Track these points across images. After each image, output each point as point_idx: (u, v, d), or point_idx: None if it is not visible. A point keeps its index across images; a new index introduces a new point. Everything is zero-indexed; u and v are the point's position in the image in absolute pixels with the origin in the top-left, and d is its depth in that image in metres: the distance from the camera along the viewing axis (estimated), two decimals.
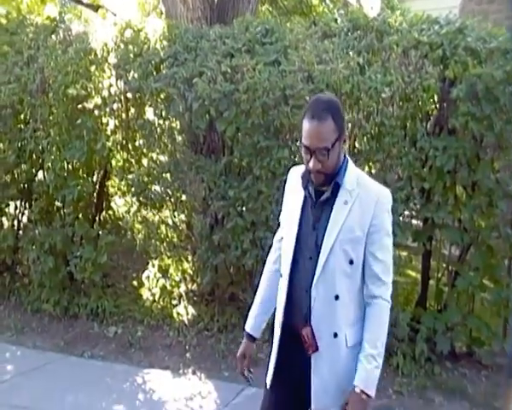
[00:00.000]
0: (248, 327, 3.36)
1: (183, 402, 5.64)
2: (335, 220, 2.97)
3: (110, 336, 6.95)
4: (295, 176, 3.21)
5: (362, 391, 2.91)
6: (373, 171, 6.94)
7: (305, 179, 3.09)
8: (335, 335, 2.97)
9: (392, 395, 5.99)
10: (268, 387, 3.18)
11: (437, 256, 6.97)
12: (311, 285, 2.98)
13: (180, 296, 7.26)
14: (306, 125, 2.96)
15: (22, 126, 7.70)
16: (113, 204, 8.14)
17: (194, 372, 6.24)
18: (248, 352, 3.31)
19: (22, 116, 7.71)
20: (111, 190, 8.11)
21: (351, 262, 2.97)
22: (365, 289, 3.02)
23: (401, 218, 6.49)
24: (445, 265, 6.92)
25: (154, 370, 6.29)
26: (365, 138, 6.85)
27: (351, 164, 3.09)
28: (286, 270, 3.09)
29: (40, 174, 7.79)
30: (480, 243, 6.48)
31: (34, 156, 7.70)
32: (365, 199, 2.99)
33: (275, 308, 3.22)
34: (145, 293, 7.42)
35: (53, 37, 7.80)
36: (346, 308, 2.99)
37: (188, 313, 7.15)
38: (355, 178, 3.04)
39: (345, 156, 3.09)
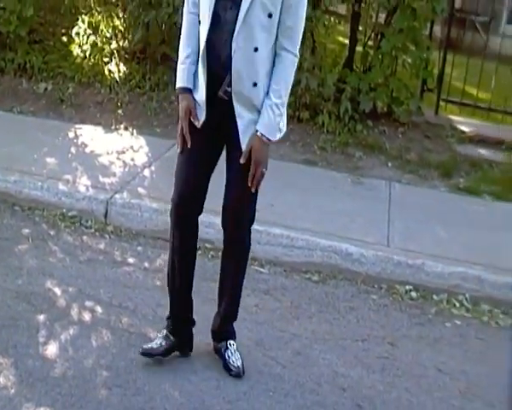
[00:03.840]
0: (184, 82, 3.23)
1: (115, 156, 5.75)
2: None
3: (40, 92, 6.88)
4: None
5: (263, 135, 3.11)
6: None
7: None
8: (255, 84, 3.09)
9: (317, 151, 6.32)
10: (199, 127, 3.24)
11: (365, 21, 7.09)
12: (232, 37, 3.01)
13: (111, 54, 7.14)
14: None
15: None
16: None
17: (126, 128, 6.33)
18: (191, 105, 3.21)
19: None
20: None
21: (269, 16, 3.01)
22: (277, 42, 3.09)
23: None
24: (371, 28, 7.03)
25: (85, 126, 6.34)
26: None
27: None
28: (206, 18, 3.08)
29: None
30: (406, 5, 6.57)
31: None
32: None
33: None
34: (75, 50, 7.23)
35: None
36: (264, 60, 3.08)
37: (119, 71, 7.09)
38: None
39: None
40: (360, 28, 7.12)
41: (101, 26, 7.14)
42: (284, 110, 3.16)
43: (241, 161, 3.13)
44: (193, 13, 3.21)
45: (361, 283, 4.51)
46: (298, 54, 3.16)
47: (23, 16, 6.96)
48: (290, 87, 3.18)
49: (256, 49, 3.03)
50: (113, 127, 6.35)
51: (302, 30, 3.15)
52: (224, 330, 3.56)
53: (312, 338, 3.84)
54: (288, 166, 6.00)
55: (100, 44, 7.12)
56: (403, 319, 4.18)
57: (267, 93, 3.11)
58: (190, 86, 3.21)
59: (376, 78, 6.64)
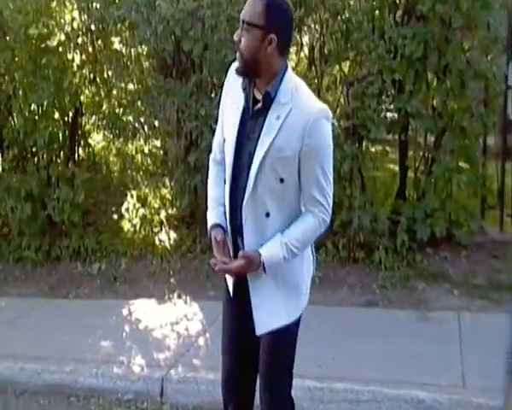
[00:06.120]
0: (214, 219, 2.99)
1: (169, 327, 5.62)
2: (265, 137, 2.78)
3: (94, 273, 6.90)
4: (234, 74, 2.95)
5: (261, 257, 2.80)
6: (344, 69, 6.87)
7: (246, 81, 2.89)
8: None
9: (376, 290, 6.01)
10: (232, 295, 3.07)
11: (413, 146, 6.88)
12: (243, 203, 2.86)
13: (161, 223, 7.21)
14: None
15: None
16: (86, 140, 8.01)
17: (179, 296, 6.23)
18: (225, 237, 2.95)
19: None
20: (83, 126, 7.98)
21: (281, 181, 2.81)
22: (302, 207, 2.91)
23: (375, 113, 6.38)
24: (421, 153, 6.83)
25: (139, 300, 6.27)
26: (334, 37, 6.73)
27: (290, 74, 2.86)
28: (228, 178, 2.94)
29: (10, 121, 7.63)
30: (454, 126, 6.43)
31: (1, 104, 7.52)
32: (297, 117, 2.76)
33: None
34: (126, 225, 7.36)
35: None
36: (278, 224, 2.87)
37: (170, 239, 7.11)
38: (291, 90, 2.80)
39: (286, 67, 2.86)
40: (410, 153, 6.93)
41: (149, 198, 7.24)
42: (289, 258, 2.85)
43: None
44: (219, 162, 3.12)
45: None
46: (325, 219, 2.89)
47: (75, 203, 7.13)
48: (306, 245, 2.93)
49: (268, 215, 2.86)
50: (166, 297, 6.25)
51: (330, 191, 2.86)
52: None
53: None
54: (348, 311, 5.71)
55: (149, 216, 7.20)
56: None
57: (283, 231, 2.86)
58: (222, 224, 2.98)
59: (431, 204, 6.35)
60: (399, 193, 6.77)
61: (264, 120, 2.80)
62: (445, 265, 6.27)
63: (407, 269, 6.17)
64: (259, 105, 2.84)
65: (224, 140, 3.00)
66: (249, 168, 2.83)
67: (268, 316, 2.93)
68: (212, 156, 3.20)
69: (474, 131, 6.48)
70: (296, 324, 3.02)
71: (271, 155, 2.77)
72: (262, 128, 2.80)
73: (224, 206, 2.99)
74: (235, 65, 2.91)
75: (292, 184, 2.84)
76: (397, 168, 7.08)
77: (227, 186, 2.96)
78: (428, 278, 6.09)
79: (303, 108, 2.77)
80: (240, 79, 2.90)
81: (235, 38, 2.82)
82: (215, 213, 3.01)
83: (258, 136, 2.81)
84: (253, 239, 2.86)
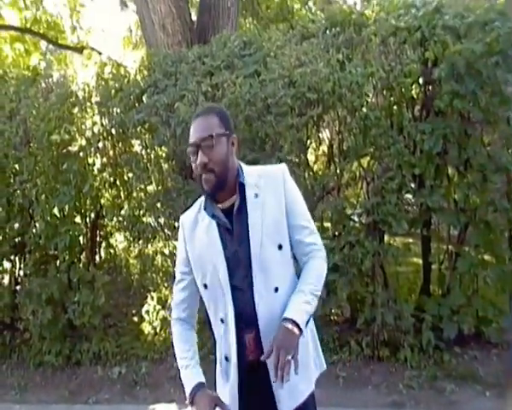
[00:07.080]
0: (200, 377, 3.17)
1: None
2: (254, 217, 2.91)
3: (114, 377, 6.77)
4: (189, 219, 3.09)
5: (293, 322, 2.81)
6: (364, 165, 6.86)
7: (209, 207, 2.99)
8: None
9: (403, 391, 5.81)
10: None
11: (436, 240, 6.78)
12: (253, 287, 2.90)
13: None
14: (191, 126, 2.98)
15: (10, 181, 7.58)
16: (108, 242, 8.02)
17: None
18: (215, 395, 3.13)
19: (8, 171, 7.58)
20: (104, 229, 8.01)
21: (280, 247, 2.93)
22: (299, 258, 3.03)
23: (396, 208, 6.32)
24: (445, 247, 6.72)
25: (159, 405, 6.12)
26: (352, 134, 6.75)
27: (245, 166, 3.08)
28: (228, 313, 2.99)
29: (31, 226, 7.68)
30: (478, 220, 6.33)
31: (24, 209, 7.59)
32: (270, 182, 2.99)
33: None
34: (146, 328, 7.26)
35: (34, 86, 7.74)
36: (287, 298, 2.94)
37: None
38: (254, 172, 3.03)
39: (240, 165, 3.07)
40: (433, 246, 6.83)
41: (170, 300, 7.14)
42: (312, 301, 2.91)
43: (262, 358, 2.84)
44: (183, 319, 3.25)
45: None
46: (323, 251, 3.06)
47: (96, 306, 7.07)
48: (320, 284, 2.99)
49: (276, 290, 2.93)
50: (187, 402, 6.07)
51: (315, 227, 3.07)
52: None
53: None
54: None
55: (169, 318, 7.04)
56: None
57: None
58: (204, 381, 3.06)
59: (457, 300, 6.21)
60: (423, 289, 6.65)
61: (247, 209, 2.92)
62: (475, 364, 6.06)
63: (434, 368, 5.97)
64: (238, 201, 2.95)
65: (206, 286, 3.03)
66: (250, 264, 2.89)
67: (292, 392, 2.94)
68: (173, 316, 3.25)
69: (499, 226, 6.37)
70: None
71: (267, 228, 2.90)
72: (247, 215, 2.91)
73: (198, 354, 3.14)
74: (184, 215, 3.10)
75: (287, 250, 2.98)
76: (420, 261, 6.97)
77: (229, 320, 3.01)
78: (457, 378, 5.87)
79: (270, 172, 3.03)
80: (197, 221, 3.01)
81: (202, 160, 2.90)
82: (196, 371, 3.15)
83: (247, 230, 2.90)
84: (269, 322, 2.88)
